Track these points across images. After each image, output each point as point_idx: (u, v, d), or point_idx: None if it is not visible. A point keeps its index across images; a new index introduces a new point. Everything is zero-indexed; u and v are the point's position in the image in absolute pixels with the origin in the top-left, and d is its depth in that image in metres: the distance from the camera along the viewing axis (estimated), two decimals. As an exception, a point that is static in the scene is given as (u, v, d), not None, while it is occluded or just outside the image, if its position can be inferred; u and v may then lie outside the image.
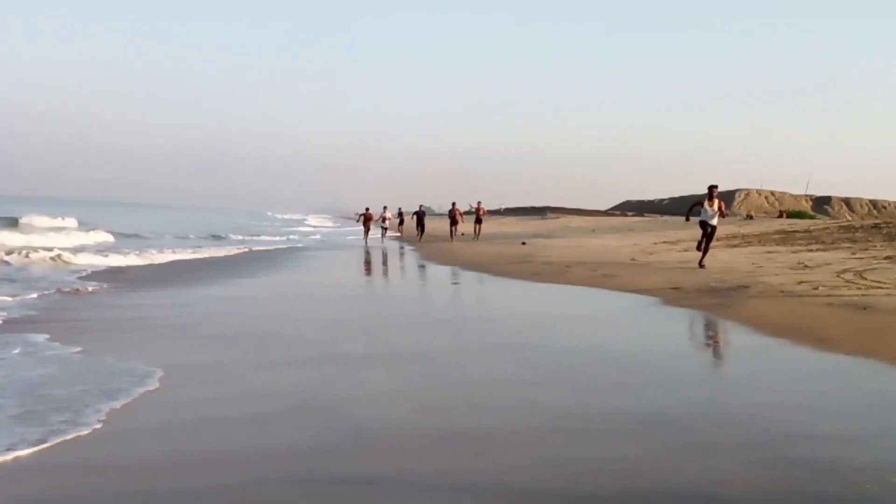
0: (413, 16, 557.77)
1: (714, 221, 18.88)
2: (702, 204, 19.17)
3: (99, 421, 5.72)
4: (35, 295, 13.20)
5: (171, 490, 4.50)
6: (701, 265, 18.29)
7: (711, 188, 19.01)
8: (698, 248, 19.05)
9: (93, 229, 36.27)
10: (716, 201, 18.87)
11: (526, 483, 4.59)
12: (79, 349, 8.39)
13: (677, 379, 7.66)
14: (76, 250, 23.55)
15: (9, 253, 20.89)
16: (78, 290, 14.41)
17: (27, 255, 20.56)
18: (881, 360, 8.03)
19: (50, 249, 22.17)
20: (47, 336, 9.08)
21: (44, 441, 5.20)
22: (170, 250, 26.31)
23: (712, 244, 19.43)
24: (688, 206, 20.99)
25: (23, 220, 41.74)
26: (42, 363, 7.69)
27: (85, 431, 5.48)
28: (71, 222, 44.67)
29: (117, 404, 6.18)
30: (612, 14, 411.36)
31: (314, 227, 73.41)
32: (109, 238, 33.25)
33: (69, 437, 5.35)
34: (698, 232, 19.40)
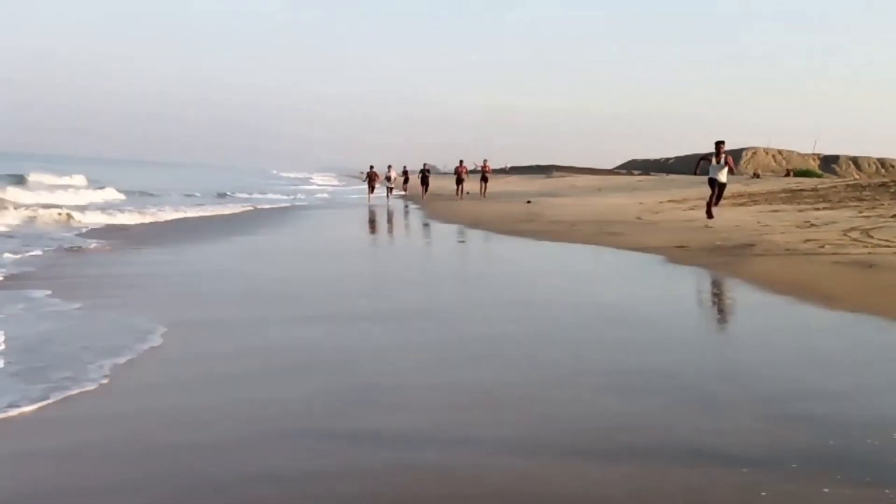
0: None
1: (723, 178, 18.53)
2: (709, 160, 18.82)
3: (104, 377, 5.72)
4: (38, 252, 13.21)
5: (177, 444, 4.51)
6: (709, 216, 18.29)
7: (718, 144, 18.55)
8: (708, 209, 18.70)
9: (101, 187, 36.25)
10: (723, 157, 18.44)
11: (527, 438, 4.59)
12: (79, 305, 8.40)
13: (681, 336, 7.64)
14: (84, 208, 23.55)
15: (17, 208, 20.88)
16: (80, 247, 14.43)
17: (34, 212, 20.55)
18: (886, 317, 7.99)
19: (59, 207, 22.21)
20: (48, 292, 9.09)
21: (47, 398, 5.18)
22: (171, 208, 26.36)
23: (721, 202, 19.30)
24: (694, 163, 20.83)
25: (30, 178, 41.70)
26: (43, 320, 7.69)
27: (90, 387, 5.47)
28: (79, 180, 44.64)
29: (121, 360, 6.18)
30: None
31: (320, 185, 73.00)
32: (120, 196, 33.21)
33: (73, 392, 5.35)
34: (705, 191, 19.22)
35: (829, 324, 8.02)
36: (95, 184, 41.12)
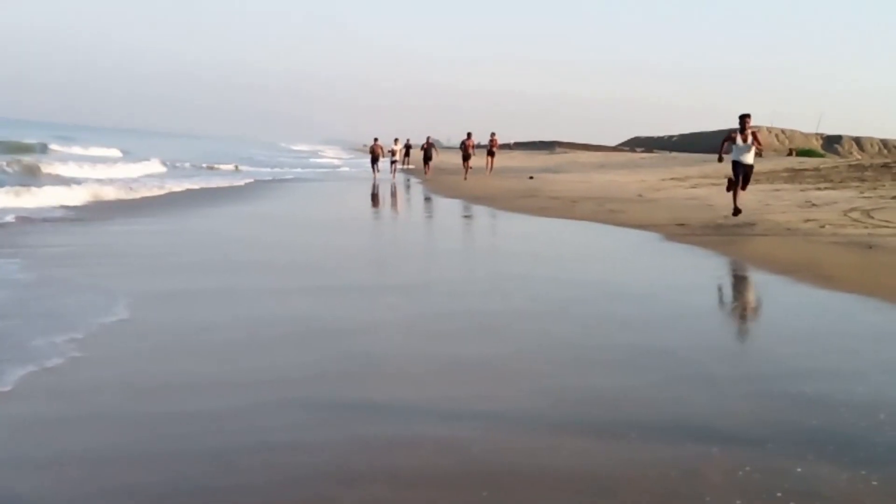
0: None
1: (749, 159, 15.54)
2: (733, 139, 15.61)
3: (74, 349, 5.63)
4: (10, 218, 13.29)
5: (163, 413, 4.52)
6: (736, 212, 15.25)
7: (744, 118, 15.48)
8: (728, 189, 15.83)
9: (145, 159, 35.66)
10: (749, 133, 15.46)
11: (527, 410, 4.65)
12: (50, 276, 8.37)
13: (678, 313, 7.66)
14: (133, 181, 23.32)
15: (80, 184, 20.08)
16: (47, 219, 14.21)
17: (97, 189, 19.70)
18: (883, 298, 8.03)
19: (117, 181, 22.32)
20: (15, 261, 9.07)
21: (12, 374, 5.00)
22: (186, 179, 26.50)
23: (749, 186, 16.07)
24: (712, 144, 19.31)
25: (52, 147, 41.22)
26: (5, 289, 7.60)
27: (55, 362, 5.32)
28: (112, 152, 44.15)
29: (80, 335, 5.98)
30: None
31: (330, 158, 72.54)
32: (162, 168, 33.10)
33: (45, 366, 5.22)
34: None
35: (825, 304, 8.04)
36: (129, 156, 40.95)
